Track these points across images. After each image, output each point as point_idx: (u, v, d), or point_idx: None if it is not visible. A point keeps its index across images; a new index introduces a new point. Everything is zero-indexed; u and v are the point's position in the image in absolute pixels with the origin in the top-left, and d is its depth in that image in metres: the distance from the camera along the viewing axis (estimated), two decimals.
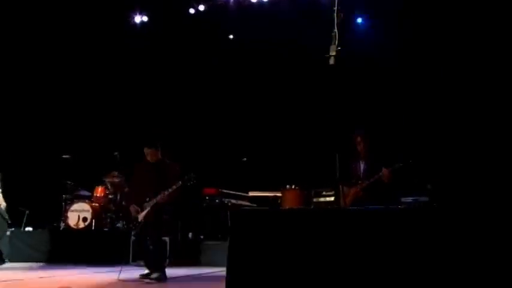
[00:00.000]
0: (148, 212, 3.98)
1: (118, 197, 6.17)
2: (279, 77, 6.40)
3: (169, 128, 6.58)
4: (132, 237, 4.64)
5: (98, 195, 6.31)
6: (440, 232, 1.99)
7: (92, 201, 6.20)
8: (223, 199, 5.58)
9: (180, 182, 3.88)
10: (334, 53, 2.80)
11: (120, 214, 6.04)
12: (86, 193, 6.47)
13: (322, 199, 5.03)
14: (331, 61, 2.78)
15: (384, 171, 3.88)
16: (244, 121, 6.68)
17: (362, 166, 4.19)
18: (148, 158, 4.09)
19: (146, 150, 4.09)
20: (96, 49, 7.05)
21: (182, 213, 5.71)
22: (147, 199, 3.99)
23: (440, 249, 1.96)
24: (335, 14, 2.88)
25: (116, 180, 6.22)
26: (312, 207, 4.96)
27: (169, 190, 3.90)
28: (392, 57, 5.73)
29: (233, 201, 5.66)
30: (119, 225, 6.06)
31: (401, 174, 3.86)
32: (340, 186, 3.78)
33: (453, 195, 5.02)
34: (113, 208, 6.15)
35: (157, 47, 6.99)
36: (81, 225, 5.92)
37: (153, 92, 7.07)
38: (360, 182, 4.08)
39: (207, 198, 5.71)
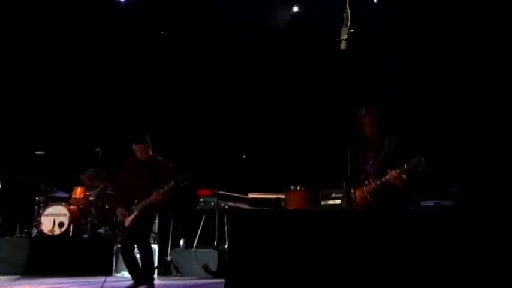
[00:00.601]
0: (136, 216, 4.07)
1: (100, 199, 6.26)
2: (283, 63, 6.46)
3: (158, 121, 6.66)
4: (117, 245, 4.73)
5: (76, 196, 6.40)
6: (464, 239, 2.05)
7: (70, 204, 6.29)
8: (219, 201, 5.67)
9: (173, 183, 3.96)
10: (345, 37, 2.82)
11: (103, 218, 6.13)
12: (63, 194, 6.56)
13: (331, 202, 5.10)
14: (343, 46, 2.79)
15: (392, 173, 3.46)
16: (243, 113, 6.76)
17: (372, 160, 3.67)
18: (138, 155, 4.17)
19: (135, 147, 4.17)
20: (73, 29, 7.08)
21: (173, 218, 5.82)
22: (136, 201, 4.09)
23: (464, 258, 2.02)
24: None
25: (98, 179, 6.30)
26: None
27: (161, 191, 3.98)
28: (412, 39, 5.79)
29: (230, 203, 5.75)
30: (101, 231, 6.16)
31: (419, 174, 3.42)
32: (350, 189, 3.46)
33: (483, 198, 5.06)
34: (94, 211, 6.24)
35: (144, 30, 7.03)
36: (57, 231, 6.01)
37: (139, 81, 7.12)
38: (366, 182, 3.65)
39: (201, 200, 5.80)
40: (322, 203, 5.10)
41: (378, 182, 3.58)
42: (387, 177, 3.51)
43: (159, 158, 4.28)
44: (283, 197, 5.45)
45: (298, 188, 5.24)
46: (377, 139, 3.68)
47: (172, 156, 4.41)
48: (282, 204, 5.43)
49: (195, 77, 7.01)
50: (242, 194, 5.95)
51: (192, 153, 6.47)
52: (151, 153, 4.23)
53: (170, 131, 6.71)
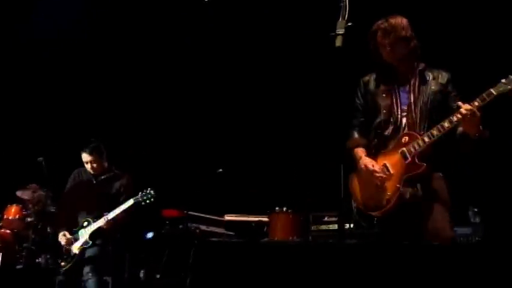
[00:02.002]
0: (85, 241, 4.12)
1: (41, 220, 6.24)
2: (268, 61, 6.57)
3: (114, 125, 6.68)
4: (59, 277, 4.75)
5: (10, 217, 6.36)
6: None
7: (1, 227, 6.26)
8: (189, 224, 5.73)
9: (132, 201, 4.03)
10: (342, 31, 2.71)
11: (44, 244, 6.11)
12: None
13: (323, 226, 5.23)
14: (338, 42, 2.68)
15: (465, 107, 2.62)
16: (219, 118, 6.85)
17: (405, 97, 2.86)
18: (89, 167, 4.22)
19: (86, 157, 4.23)
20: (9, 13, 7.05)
21: (132, 243, 5.84)
22: (85, 223, 4.14)
23: None
24: None
25: (38, 196, 6.29)
26: (310, 237, 5.16)
27: (116, 211, 4.04)
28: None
29: (203, 227, 5.81)
30: (40, 260, 6.13)
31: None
32: (354, 152, 2.92)
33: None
34: (33, 236, 6.21)
35: (105, 16, 7.04)
36: None
37: (93, 76, 7.14)
38: (405, 139, 2.77)
39: (166, 222, 5.85)
40: (313, 228, 5.24)
41: (437, 131, 2.69)
42: (453, 118, 2.65)
43: (116, 171, 4.34)
44: (266, 220, 5.54)
45: (285, 209, 5.34)
46: (409, 68, 2.89)
47: (130, 169, 4.46)
48: (265, 229, 5.53)
49: (160, 72, 7.05)
50: (217, 216, 6.02)
51: (156, 166, 6.51)
52: (106, 165, 4.28)
53: (129, 137, 6.74)
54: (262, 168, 6.50)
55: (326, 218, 5.20)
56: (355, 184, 2.97)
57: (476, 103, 2.66)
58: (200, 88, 6.91)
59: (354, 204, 2.98)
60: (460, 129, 2.76)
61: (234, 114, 6.84)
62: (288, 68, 6.40)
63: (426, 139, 2.75)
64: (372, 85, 2.99)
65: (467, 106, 2.65)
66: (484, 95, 2.67)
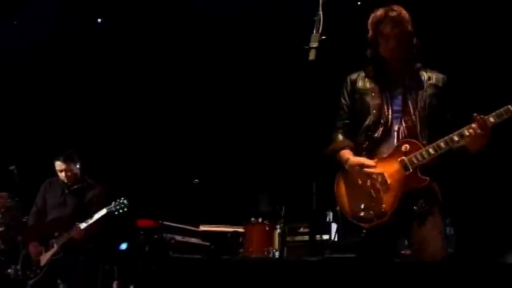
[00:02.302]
0: (56, 252, 4.08)
1: (12, 230, 6.15)
2: (243, 75, 6.63)
3: (87, 133, 6.65)
4: None
5: None
6: None
7: None
8: (164, 234, 5.71)
9: (105, 210, 4.02)
10: (316, 45, 2.67)
11: (14, 254, 6.02)
12: None
13: (299, 238, 5.27)
14: (312, 55, 2.65)
15: (480, 122, 2.42)
16: (195, 129, 6.86)
17: (398, 97, 2.64)
18: (63, 175, 4.20)
19: (59, 166, 4.21)
20: None
21: (105, 254, 5.79)
22: (56, 233, 4.11)
23: None
24: None
25: (8, 205, 6.20)
26: (285, 248, 5.20)
27: (89, 221, 4.03)
28: None
29: (178, 237, 5.81)
30: (10, 271, 6.03)
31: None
32: (340, 155, 2.69)
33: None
34: (2, 246, 6.12)
35: (75, 24, 7.02)
36: None
37: (67, 84, 7.10)
38: (405, 147, 2.53)
39: (141, 232, 5.82)
40: (288, 239, 5.27)
41: (445, 144, 2.49)
42: (465, 132, 2.45)
43: (90, 181, 4.32)
44: (241, 230, 5.57)
45: (260, 220, 5.38)
46: (404, 66, 2.68)
47: (104, 179, 4.44)
48: (241, 239, 5.55)
49: (134, 82, 7.05)
50: (192, 226, 6.02)
51: (131, 175, 6.49)
52: (79, 174, 4.26)
53: (102, 145, 6.71)
54: (239, 177, 6.54)
55: (302, 229, 5.24)
56: (342, 188, 2.76)
57: (492, 119, 2.47)
58: (176, 98, 6.93)
59: (338, 210, 2.82)
60: (461, 142, 2.58)
61: (210, 125, 6.87)
62: (263, 81, 6.48)
63: (432, 151, 2.53)
64: (360, 83, 2.80)
65: (483, 122, 2.45)
66: (502, 111, 2.46)
